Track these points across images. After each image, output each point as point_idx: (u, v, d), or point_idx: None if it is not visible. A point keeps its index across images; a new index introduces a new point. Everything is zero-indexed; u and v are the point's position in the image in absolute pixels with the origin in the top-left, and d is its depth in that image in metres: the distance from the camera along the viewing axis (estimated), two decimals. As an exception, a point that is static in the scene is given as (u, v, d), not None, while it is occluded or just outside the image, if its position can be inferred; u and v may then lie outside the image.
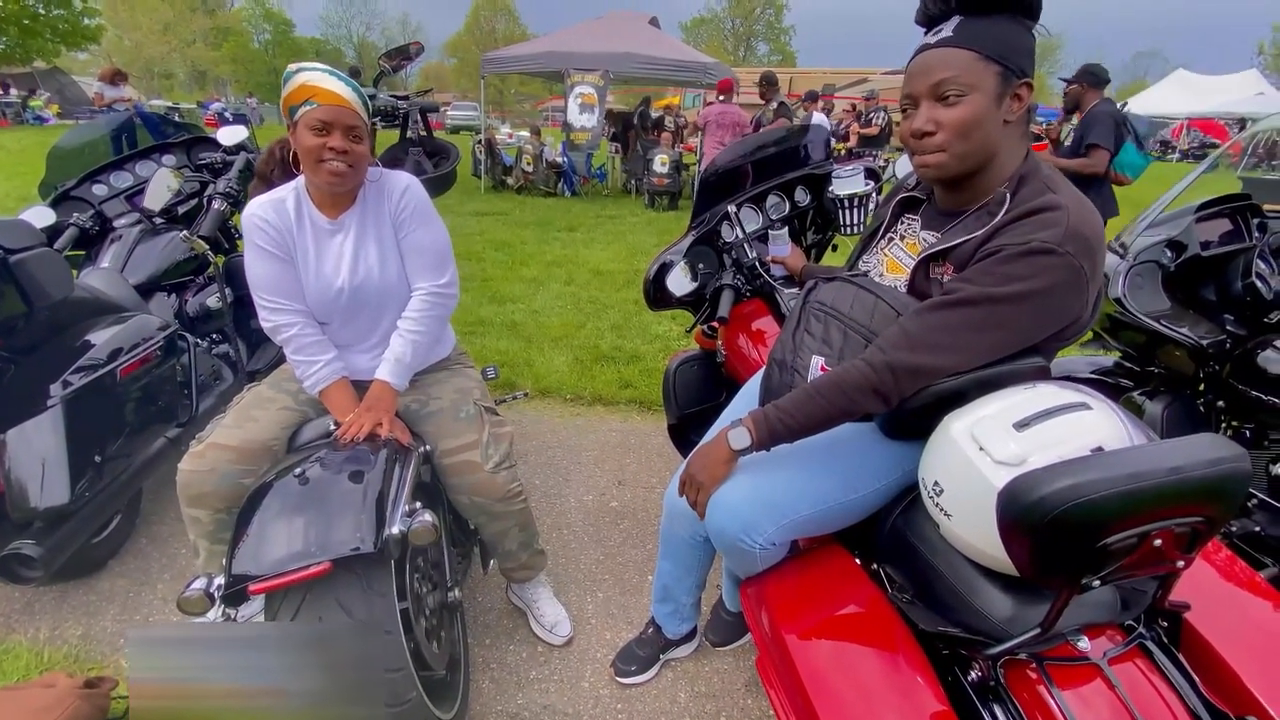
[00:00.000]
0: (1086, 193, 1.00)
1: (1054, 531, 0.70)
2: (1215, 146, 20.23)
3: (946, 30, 0.99)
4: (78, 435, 1.60)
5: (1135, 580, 0.88)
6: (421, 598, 1.33)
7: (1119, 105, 3.85)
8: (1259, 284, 1.78)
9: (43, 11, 21.27)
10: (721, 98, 7.28)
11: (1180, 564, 0.78)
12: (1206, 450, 0.71)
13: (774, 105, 6.57)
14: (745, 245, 1.85)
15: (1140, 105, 24.11)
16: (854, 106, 11.88)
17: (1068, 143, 4.05)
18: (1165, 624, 0.94)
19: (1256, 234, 1.97)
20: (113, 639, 1.69)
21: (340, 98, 1.28)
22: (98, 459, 1.68)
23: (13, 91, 19.64)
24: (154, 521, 2.13)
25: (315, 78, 1.27)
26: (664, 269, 1.84)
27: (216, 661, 1.06)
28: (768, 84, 6.69)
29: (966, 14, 0.98)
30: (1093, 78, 3.86)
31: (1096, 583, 0.77)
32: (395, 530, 1.14)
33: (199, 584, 1.08)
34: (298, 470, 1.19)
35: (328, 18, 53.74)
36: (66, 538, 1.57)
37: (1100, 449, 0.83)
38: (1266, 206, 2.07)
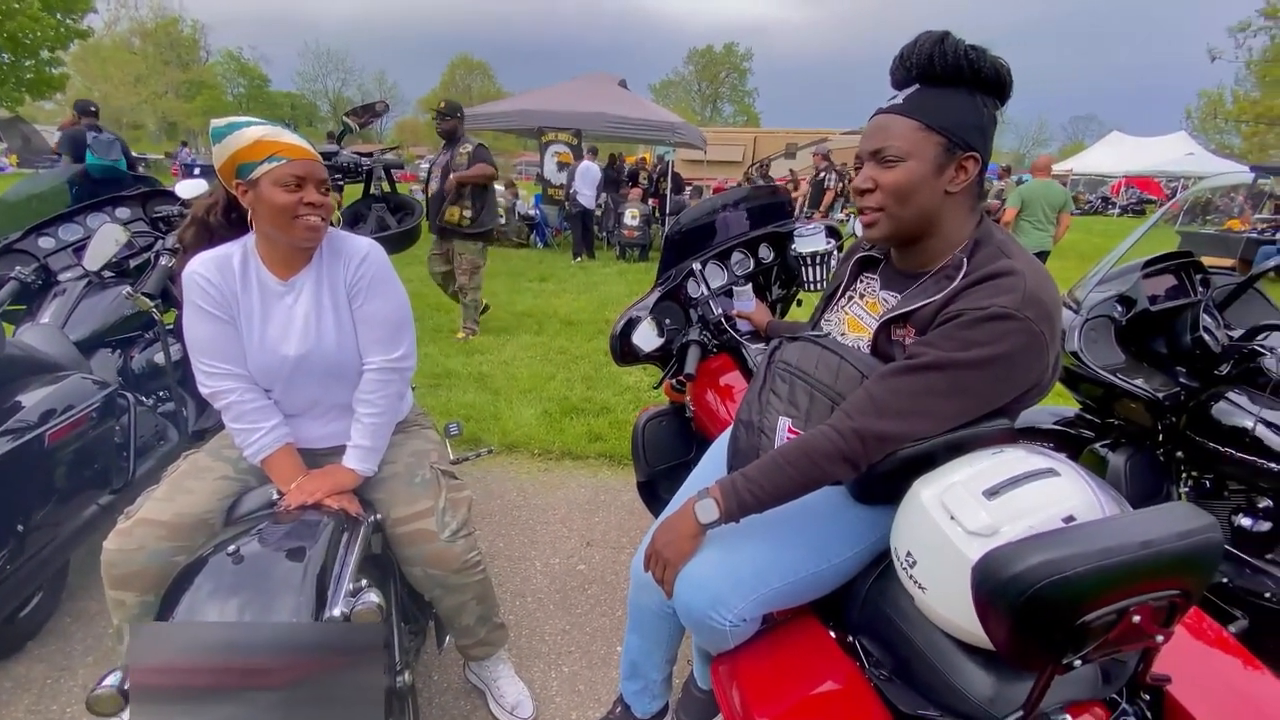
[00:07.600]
0: None
1: (1031, 609, 0.68)
2: (1151, 202, 21.63)
3: (899, 98, 1.02)
4: None
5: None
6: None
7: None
8: (1207, 337, 1.84)
9: (8, 60, 21.11)
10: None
11: (1160, 638, 0.76)
12: (1177, 522, 0.70)
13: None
14: (710, 301, 1.86)
15: (1081, 164, 25.80)
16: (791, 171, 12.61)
17: None
18: (1148, 697, 0.90)
19: (1200, 289, 2.05)
20: (22, 735, 1.53)
21: (308, 151, 1.26)
22: (20, 529, 1.55)
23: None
24: (80, 597, 1.97)
25: (273, 133, 1.24)
26: (630, 324, 1.82)
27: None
28: (444, 115, 4.58)
29: (925, 85, 1.01)
30: (82, 106, 6.37)
31: (1078, 662, 0.73)
32: (337, 613, 1.05)
33: (112, 679, 0.96)
34: (231, 547, 1.09)
35: (303, 73, 54.55)
36: (-23, 621, 1.43)
37: (1071, 518, 0.81)
38: (1207, 262, 2.17)
